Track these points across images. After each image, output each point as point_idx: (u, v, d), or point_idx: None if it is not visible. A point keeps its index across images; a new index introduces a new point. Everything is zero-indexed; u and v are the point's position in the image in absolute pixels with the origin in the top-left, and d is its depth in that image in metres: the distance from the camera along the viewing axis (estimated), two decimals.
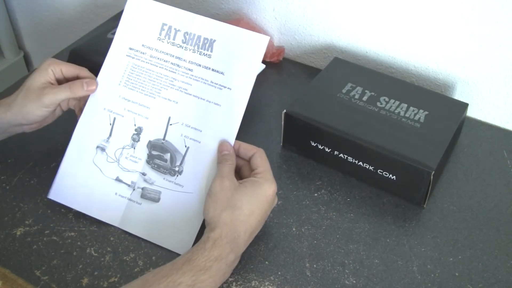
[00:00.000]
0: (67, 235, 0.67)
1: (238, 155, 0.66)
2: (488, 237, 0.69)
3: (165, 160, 0.68)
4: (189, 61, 0.68)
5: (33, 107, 0.68)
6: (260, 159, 0.64)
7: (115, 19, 0.72)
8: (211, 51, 0.68)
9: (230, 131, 0.66)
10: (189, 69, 0.68)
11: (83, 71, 0.71)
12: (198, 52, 0.68)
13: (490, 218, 0.71)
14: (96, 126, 0.70)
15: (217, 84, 0.67)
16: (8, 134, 0.72)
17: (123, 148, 0.69)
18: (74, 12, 1.28)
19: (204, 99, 0.68)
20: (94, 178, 0.69)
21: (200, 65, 0.68)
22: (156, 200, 0.68)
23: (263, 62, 0.94)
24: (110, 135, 0.70)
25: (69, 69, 0.71)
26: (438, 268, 0.65)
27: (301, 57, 1.01)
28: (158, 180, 0.68)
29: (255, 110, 0.87)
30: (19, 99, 0.68)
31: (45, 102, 0.67)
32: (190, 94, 0.68)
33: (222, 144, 0.66)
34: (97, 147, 0.70)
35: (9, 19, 1.40)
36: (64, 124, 0.74)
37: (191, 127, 0.68)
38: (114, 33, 0.73)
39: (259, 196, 0.61)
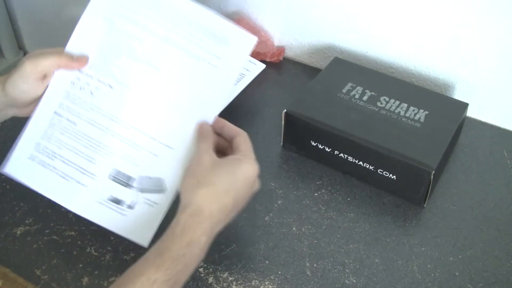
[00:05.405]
0: (67, 234, 0.67)
1: (221, 135, 0.64)
2: (488, 237, 0.69)
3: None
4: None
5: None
6: (244, 140, 0.62)
7: None
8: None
9: (211, 111, 0.63)
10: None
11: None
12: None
13: (490, 218, 0.71)
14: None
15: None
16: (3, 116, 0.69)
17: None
18: (74, 12, 1.28)
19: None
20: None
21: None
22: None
23: (263, 62, 0.94)
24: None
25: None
26: (438, 268, 0.65)
27: (301, 57, 1.01)
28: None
29: (255, 110, 0.87)
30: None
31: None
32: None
33: (200, 124, 0.63)
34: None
35: (9, 19, 1.40)
36: None
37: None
38: None
39: (237, 175, 0.58)
